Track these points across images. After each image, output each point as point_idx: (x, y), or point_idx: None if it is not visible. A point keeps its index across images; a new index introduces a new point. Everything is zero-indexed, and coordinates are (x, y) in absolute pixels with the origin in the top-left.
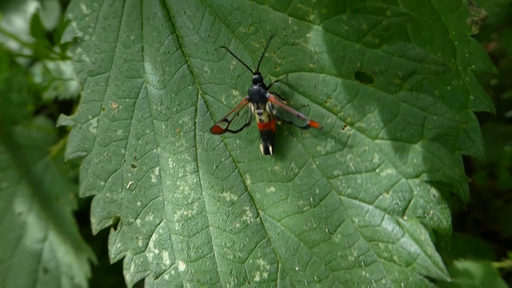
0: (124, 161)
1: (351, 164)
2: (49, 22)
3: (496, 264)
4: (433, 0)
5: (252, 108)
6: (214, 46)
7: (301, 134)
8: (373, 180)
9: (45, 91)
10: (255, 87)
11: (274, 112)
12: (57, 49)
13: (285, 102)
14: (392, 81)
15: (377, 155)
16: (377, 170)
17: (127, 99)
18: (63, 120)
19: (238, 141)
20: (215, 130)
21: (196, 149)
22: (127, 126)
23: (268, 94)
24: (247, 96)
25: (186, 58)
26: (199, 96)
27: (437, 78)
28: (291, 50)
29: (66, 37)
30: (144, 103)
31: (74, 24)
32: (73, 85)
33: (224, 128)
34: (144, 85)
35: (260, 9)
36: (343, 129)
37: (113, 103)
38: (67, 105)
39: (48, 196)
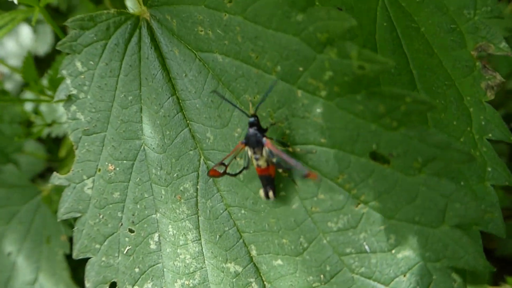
0: (121, 225)
1: (364, 243)
2: (42, 47)
3: None
4: (447, 64)
5: (249, 152)
6: (217, 112)
7: (311, 207)
8: (388, 261)
9: (39, 135)
10: (251, 130)
11: (273, 158)
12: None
13: (289, 146)
14: (410, 164)
15: (393, 235)
16: (393, 251)
17: (125, 161)
18: (56, 179)
19: (243, 211)
20: (212, 174)
21: (198, 217)
22: (125, 189)
23: (264, 140)
24: (244, 140)
25: (188, 122)
26: (201, 162)
27: None
28: (300, 122)
29: (60, 95)
30: (143, 166)
31: (68, 81)
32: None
33: (221, 172)
34: (142, 147)
35: (266, 78)
36: (357, 206)
37: (110, 164)
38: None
39: (39, 237)
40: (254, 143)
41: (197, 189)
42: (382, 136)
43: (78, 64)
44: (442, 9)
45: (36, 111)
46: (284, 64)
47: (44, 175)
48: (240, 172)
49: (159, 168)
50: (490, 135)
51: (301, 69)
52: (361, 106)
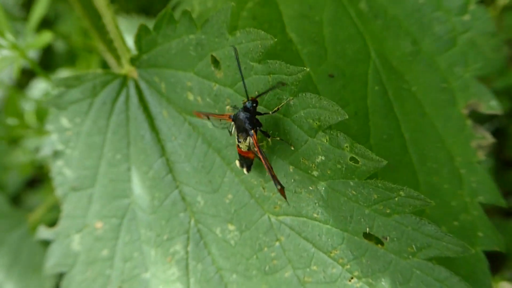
0: (110, 282)
1: None
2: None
3: None
4: (438, 123)
5: (233, 129)
6: (208, 177)
7: (303, 277)
8: None
9: (26, 173)
10: (242, 114)
11: (255, 150)
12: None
13: (269, 136)
14: (405, 249)
15: None
16: None
17: (113, 219)
18: (43, 233)
19: (234, 276)
20: (196, 113)
21: (189, 279)
22: (113, 247)
23: (251, 132)
24: (232, 116)
25: (177, 183)
26: (192, 224)
27: (444, 212)
28: (292, 196)
29: (45, 150)
30: (132, 225)
31: (54, 136)
32: None
33: (205, 118)
34: (131, 206)
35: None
36: (350, 281)
37: (98, 222)
38: None
39: (27, 266)
40: (241, 128)
41: (187, 251)
42: (376, 220)
43: (64, 120)
44: (433, 66)
45: (24, 150)
46: (275, 140)
47: (32, 183)
48: (223, 128)
49: (148, 229)
50: (481, 197)
51: (292, 148)
52: (354, 191)
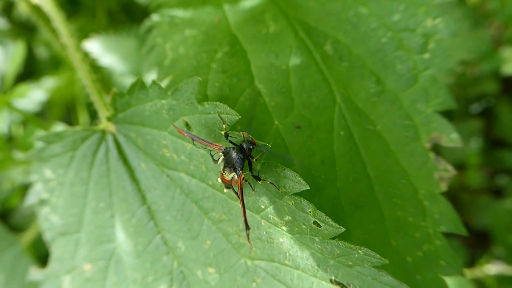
0: None
1: None
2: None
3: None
4: (402, 159)
5: (221, 159)
6: (187, 225)
7: None
8: None
9: (13, 205)
10: (235, 154)
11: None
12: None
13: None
14: None
15: None
16: None
17: (101, 261)
18: (34, 275)
19: None
20: (179, 131)
21: None
22: (102, 287)
23: (239, 172)
24: (223, 149)
25: (159, 229)
26: (175, 266)
27: (409, 244)
28: (265, 245)
29: (31, 199)
30: (118, 267)
31: (39, 186)
32: None
33: (186, 134)
34: (116, 250)
35: (231, 204)
36: None
37: (86, 264)
38: None
39: (23, 284)
40: (230, 164)
41: None
42: (340, 270)
43: (48, 171)
44: (397, 104)
45: (11, 181)
46: (247, 198)
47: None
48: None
49: (134, 271)
50: (443, 227)
51: (262, 206)
52: (319, 246)
